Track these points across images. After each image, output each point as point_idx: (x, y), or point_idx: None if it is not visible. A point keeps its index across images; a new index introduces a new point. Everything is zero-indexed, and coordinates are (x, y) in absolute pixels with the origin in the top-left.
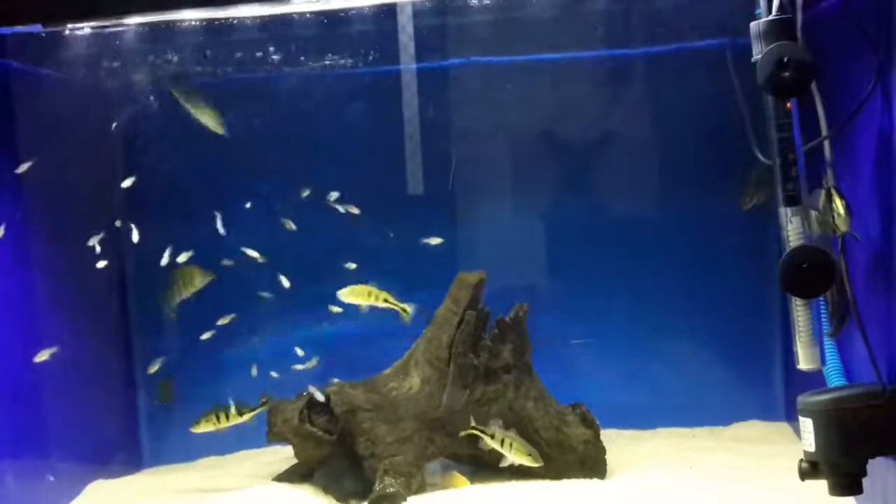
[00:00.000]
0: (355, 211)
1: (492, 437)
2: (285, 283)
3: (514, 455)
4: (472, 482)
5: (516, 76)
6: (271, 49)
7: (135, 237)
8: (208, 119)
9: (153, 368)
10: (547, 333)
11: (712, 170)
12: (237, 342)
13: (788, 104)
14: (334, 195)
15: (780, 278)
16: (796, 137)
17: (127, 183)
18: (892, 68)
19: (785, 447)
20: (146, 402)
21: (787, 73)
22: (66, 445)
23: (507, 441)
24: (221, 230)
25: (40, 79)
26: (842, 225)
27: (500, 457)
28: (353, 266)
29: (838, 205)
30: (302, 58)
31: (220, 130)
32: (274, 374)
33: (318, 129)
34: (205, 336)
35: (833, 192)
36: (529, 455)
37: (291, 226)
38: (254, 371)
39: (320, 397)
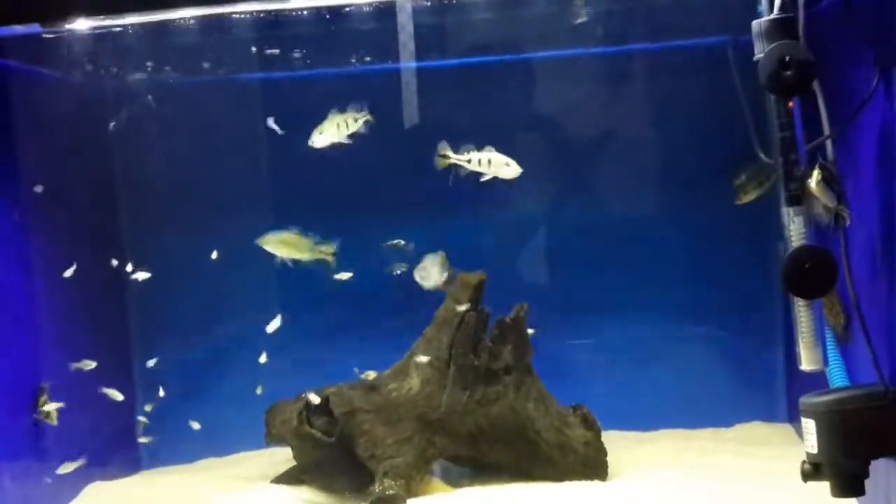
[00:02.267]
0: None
1: (468, 161)
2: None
3: (494, 169)
4: (472, 484)
5: (516, 75)
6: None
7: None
8: None
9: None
10: (548, 334)
11: (714, 169)
12: (238, 344)
13: (790, 103)
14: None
15: (783, 279)
16: (798, 136)
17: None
18: (895, 66)
19: (787, 448)
20: (145, 403)
21: (788, 73)
22: (64, 447)
23: (483, 159)
24: None
25: (40, 78)
26: (816, 193)
27: (501, 457)
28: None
29: (814, 176)
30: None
31: None
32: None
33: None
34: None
35: (818, 167)
36: (507, 164)
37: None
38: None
39: (316, 399)
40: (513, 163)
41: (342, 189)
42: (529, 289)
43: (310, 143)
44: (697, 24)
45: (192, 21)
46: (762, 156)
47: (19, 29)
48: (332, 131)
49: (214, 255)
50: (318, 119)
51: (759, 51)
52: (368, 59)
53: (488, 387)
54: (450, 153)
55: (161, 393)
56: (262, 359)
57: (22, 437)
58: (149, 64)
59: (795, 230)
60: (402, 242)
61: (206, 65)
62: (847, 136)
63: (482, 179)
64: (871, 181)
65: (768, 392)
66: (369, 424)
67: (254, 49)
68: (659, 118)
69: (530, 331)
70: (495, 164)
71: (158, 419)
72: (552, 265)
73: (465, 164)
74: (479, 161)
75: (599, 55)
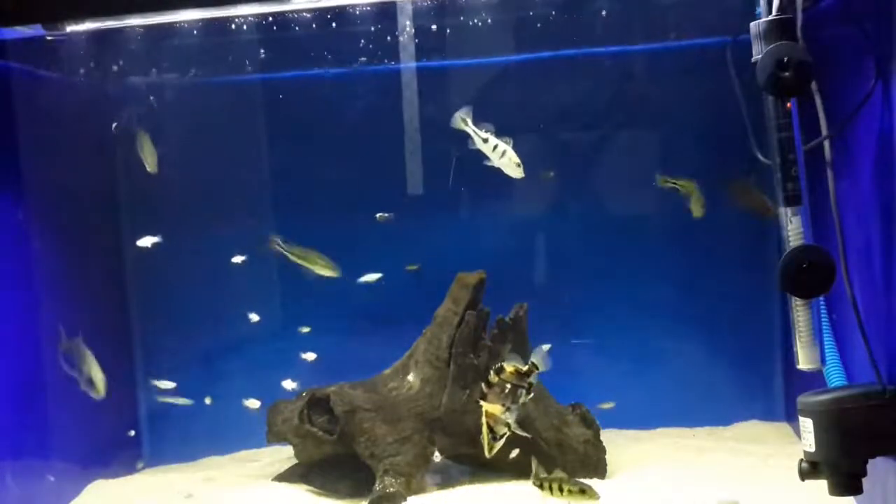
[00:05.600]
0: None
1: (484, 141)
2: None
3: (505, 162)
4: (472, 482)
5: (517, 75)
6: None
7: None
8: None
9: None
10: (547, 334)
11: (713, 170)
12: (239, 342)
13: (788, 104)
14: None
15: (780, 278)
16: (796, 137)
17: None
18: (892, 67)
19: (785, 447)
20: (146, 402)
21: (787, 73)
22: (66, 445)
23: (499, 148)
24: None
25: (41, 80)
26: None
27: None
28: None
29: None
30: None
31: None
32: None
33: (319, 129)
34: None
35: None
36: (518, 165)
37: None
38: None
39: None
40: (521, 166)
41: (343, 188)
42: (529, 289)
43: None
44: (696, 24)
45: (190, 23)
46: (760, 156)
47: (22, 31)
48: None
49: (238, 259)
50: (320, 120)
51: (758, 52)
52: (363, 59)
53: None
54: (469, 121)
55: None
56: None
57: (24, 436)
58: (150, 65)
59: (793, 230)
60: (387, 215)
61: (206, 66)
62: (845, 136)
63: (486, 163)
64: (869, 181)
65: (766, 391)
66: (370, 423)
67: (254, 51)
68: (658, 119)
69: (545, 347)
70: (507, 160)
71: (159, 418)
72: (552, 265)
73: (479, 142)
74: (495, 147)
75: (596, 56)
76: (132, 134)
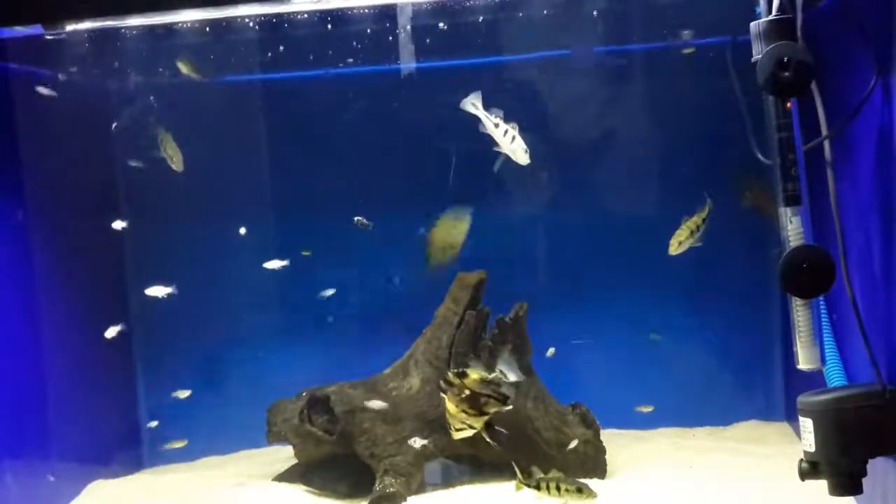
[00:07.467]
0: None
1: (496, 126)
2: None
3: (513, 147)
4: (472, 482)
5: (516, 75)
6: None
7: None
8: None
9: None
10: (547, 333)
11: (713, 170)
12: (240, 341)
13: (788, 104)
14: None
15: (781, 278)
16: (796, 137)
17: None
18: (892, 68)
19: (785, 447)
20: (146, 402)
21: (787, 73)
22: (66, 445)
23: (509, 134)
24: None
25: (40, 79)
26: None
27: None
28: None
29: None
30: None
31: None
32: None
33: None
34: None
35: None
36: (525, 151)
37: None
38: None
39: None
40: (528, 153)
41: (342, 188)
42: (529, 288)
43: None
44: (697, 24)
45: (191, 23)
46: (760, 157)
47: (21, 30)
48: None
49: (242, 230)
50: (322, 119)
51: (758, 52)
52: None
53: None
54: (479, 105)
55: None
56: None
57: (24, 436)
58: (151, 65)
59: (793, 230)
60: (365, 220)
61: (207, 66)
62: (845, 136)
63: (494, 149)
64: (869, 180)
65: (766, 391)
66: (370, 423)
67: (254, 51)
68: (657, 119)
69: (550, 351)
70: (516, 146)
71: (159, 418)
72: (552, 265)
73: (490, 126)
74: (505, 132)
75: (597, 56)
76: (133, 133)
